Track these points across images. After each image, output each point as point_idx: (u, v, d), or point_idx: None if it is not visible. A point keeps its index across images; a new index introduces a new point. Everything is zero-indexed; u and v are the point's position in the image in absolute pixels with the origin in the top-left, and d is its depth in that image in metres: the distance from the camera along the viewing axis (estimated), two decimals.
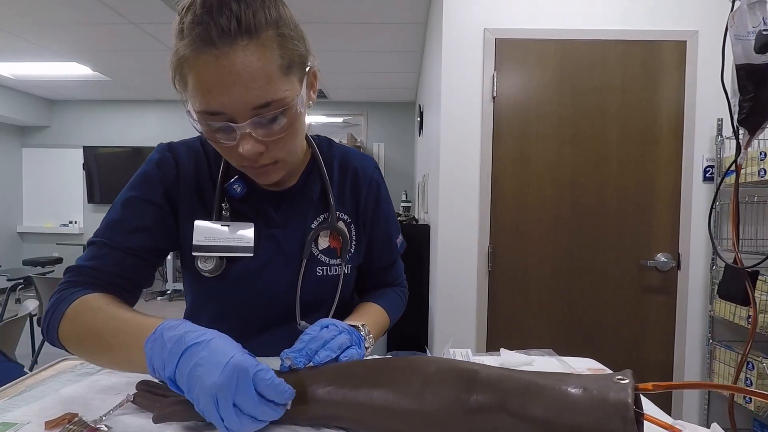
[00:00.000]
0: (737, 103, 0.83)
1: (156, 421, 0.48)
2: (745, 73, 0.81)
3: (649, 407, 0.55)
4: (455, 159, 2.10)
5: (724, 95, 0.86)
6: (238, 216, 0.73)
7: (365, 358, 0.62)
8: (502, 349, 0.65)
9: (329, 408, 0.47)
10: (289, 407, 0.47)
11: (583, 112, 2.07)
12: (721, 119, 2.02)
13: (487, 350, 2.13)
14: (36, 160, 5.61)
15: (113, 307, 0.61)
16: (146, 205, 0.69)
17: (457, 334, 2.14)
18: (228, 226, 0.71)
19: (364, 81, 4.61)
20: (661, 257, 2.07)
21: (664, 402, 2.11)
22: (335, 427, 0.48)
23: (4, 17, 3.01)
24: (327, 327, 0.58)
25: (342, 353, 0.55)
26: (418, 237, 2.61)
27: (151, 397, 0.53)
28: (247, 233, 0.71)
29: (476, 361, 0.68)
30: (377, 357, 0.61)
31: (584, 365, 0.68)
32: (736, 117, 0.83)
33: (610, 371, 0.68)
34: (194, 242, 0.70)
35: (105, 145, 5.50)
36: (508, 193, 2.10)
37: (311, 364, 0.53)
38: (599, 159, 2.08)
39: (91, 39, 3.41)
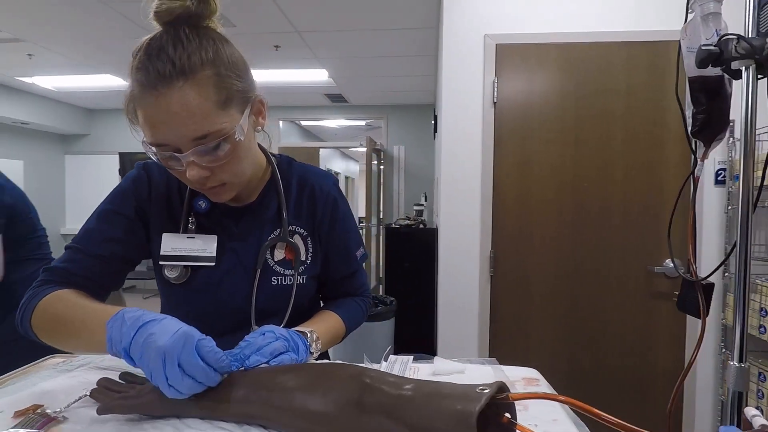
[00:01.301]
0: (691, 115, 0.82)
1: (99, 412, 0.55)
2: (698, 86, 0.81)
3: (564, 418, 0.58)
4: (456, 164, 2.12)
5: (679, 108, 0.86)
6: (203, 229, 0.79)
7: (311, 362, 0.67)
8: (436, 358, 0.69)
9: (246, 407, 0.52)
10: (224, 377, 0.55)
11: (587, 115, 2.05)
12: (733, 120, 1.94)
13: (489, 356, 2.14)
14: (77, 166, 5.98)
15: (81, 299, 0.69)
16: (118, 218, 0.76)
17: (460, 338, 2.16)
18: (193, 238, 0.78)
19: (382, 85, 4.66)
20: (669, 263, 2.02)
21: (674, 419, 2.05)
22: (256, 425, 0.53)
23: (45, 35, 3.26)
24: (264, 334, 0.63)
25: (274, 358, 0.60)
26: (424, 241, 2.64)
27: (106, 392, 0.60)
28: (209, 245, 0.78)
29: (414, 367, 0.72)
30: (311, 362, 0.66)
31: (520, 374, 0.70)
32: (689, 129, 0.83)
33: (545, 381, 0.71)
34: (161, 252, 0.77)
35: (139, 151, 5.80)
36: (510, 197, 2.10)
37: (243, 367, 0.58)
38: (604, 163, 2.05)
39: (121, 53, 3.62)
